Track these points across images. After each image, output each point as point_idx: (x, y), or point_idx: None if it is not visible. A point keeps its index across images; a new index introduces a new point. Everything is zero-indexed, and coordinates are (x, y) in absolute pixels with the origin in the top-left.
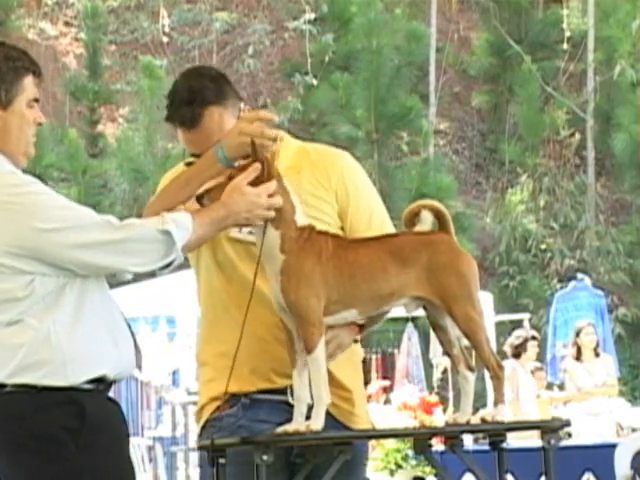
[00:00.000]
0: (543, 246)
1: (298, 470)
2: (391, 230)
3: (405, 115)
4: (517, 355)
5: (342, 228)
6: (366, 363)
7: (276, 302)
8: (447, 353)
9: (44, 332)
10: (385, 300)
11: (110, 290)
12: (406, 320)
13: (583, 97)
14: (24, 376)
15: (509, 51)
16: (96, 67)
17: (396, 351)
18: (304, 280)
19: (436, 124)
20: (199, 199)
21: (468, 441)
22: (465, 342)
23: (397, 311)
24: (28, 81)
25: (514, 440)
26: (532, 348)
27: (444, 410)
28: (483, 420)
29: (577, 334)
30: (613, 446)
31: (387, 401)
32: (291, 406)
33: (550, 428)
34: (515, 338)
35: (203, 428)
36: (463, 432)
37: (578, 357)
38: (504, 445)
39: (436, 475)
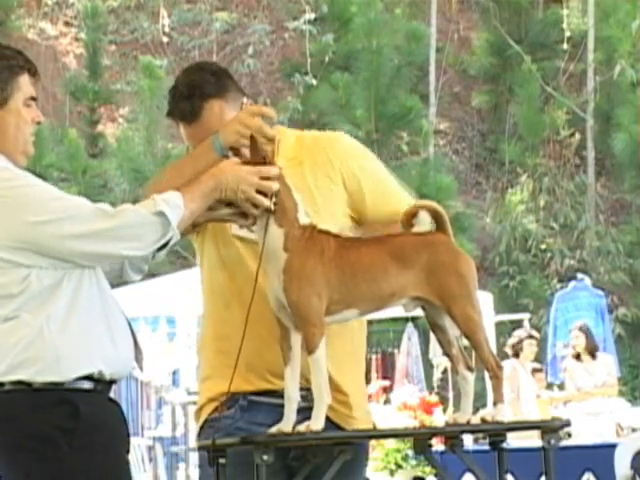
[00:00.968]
0: (543, 246)
1: (297, 471)
2: (409, 198)
3: (405, 115)
4: (516, 354)
5: (352, 217)
6: (366, 363)
7: (275, 300)
8: (446, 353)
9: (37, 328)
10: (385, 300)
11: (111, 290)
12: (406, 320)
13: (583, 97)
14: (18, 373)
15: (509, 51)
16: (96, 67)
17: (396, 351)
18: (306, 280)
19: (436, 124)
20: None
21: (468, 441)
22: (464, 342)
23: (397, 311)
24: (24, 79)
25: (514, 440)
26: (529, 347)
27: (444, 410)
28: (483, 420)
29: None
30: (613, 446)
31: (387, 401)
32: None
33: (550, 428)
34: (513, 338)
35: (201, 428)
36: (463, 432)
37: (578, 357)
38: (504, 445)
39: (436, 475)
